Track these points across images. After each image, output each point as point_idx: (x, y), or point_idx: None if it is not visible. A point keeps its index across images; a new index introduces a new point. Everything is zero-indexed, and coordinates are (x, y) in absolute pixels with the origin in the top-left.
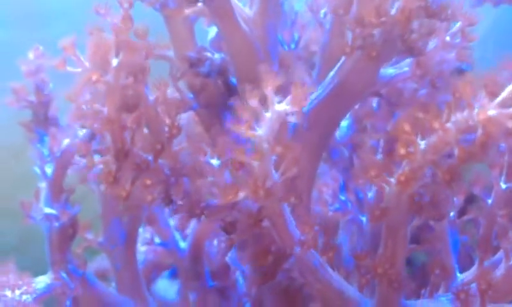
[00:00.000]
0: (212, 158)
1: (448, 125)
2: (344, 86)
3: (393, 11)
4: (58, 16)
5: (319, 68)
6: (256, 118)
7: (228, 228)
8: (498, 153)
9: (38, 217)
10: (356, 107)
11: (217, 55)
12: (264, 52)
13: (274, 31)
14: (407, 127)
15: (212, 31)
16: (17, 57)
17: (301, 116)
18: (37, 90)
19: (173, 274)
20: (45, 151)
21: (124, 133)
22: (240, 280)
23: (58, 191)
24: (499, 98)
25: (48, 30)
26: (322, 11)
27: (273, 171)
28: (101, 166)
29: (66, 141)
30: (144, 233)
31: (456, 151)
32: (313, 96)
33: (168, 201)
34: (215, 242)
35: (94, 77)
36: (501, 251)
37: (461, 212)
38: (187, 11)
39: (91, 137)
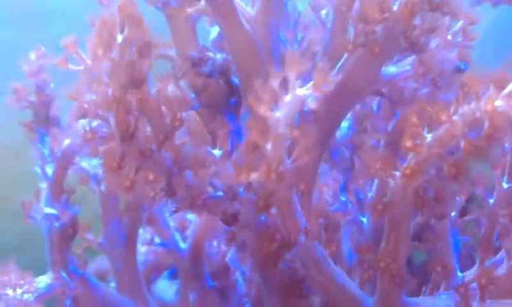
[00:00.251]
0: (214, 149)
1: (455, 117)
2: (345, 84)
3: (395, 7)
4: (58, 16)
5: None
6: (275, 101)
7: (230, 220)
8: (501, 153)
9: (38, 217)
10: (357, 107)
11: (219, 55)
12: (266, 50)
13: (277, 30)
14: (414, 119)
15: (214, 31)
16: (17, 57)
17: (320, 102)
18: (38, 90)
19: (172, 275)
20: (46, 152)
21: (129, 115)
22: (240, 280)
23: (59, 191)
24: (507, 90)
25: (48, 30)
26: (324, 12)
27: (286, 157)
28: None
29: (67, 141)
30: (144, 233)
31: (463, 144)
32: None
33: (171, 192)
34: (215, 242)
35: (100, 53)
36: (502, 251)
37: (463, 212)
38: (189, 9)
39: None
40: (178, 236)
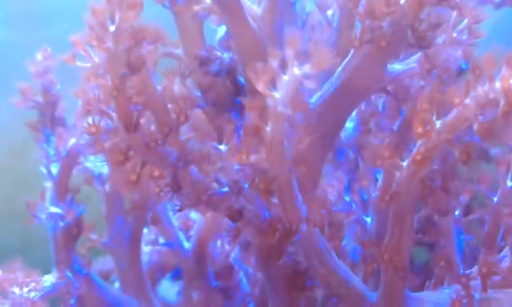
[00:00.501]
0: (220, 144)
1: (467, 100)
2: (351, 82)
3: (403, 1)
4: (59, 16)
5: None
6: (274, 81)
7: (235, 216)
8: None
9: (43, 216)
10: (363, 108)
11: (226, 55)
12: None
13: (283, 29)
14: (425, 106)
15: (221, 31)
16: (18, 57)
17: (317, 81)
18: (44, 90)
19: (175, 276)
20: (51, 151)
21: (129, 105)
22: (244, 280)
23: (64, 190)
24: None
25: (48, 30)
26: (330, 12)
27: (285, 139)
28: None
29: (72, 141)
30: (149, 234)
31: (475, 127)
32: (320, 91)
33: (177, 187)
34: (219, 242)
35: (94, 43)
36: (506, 249)
37: (467, 212)
38: (196, 7)
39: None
40: (182, 236)
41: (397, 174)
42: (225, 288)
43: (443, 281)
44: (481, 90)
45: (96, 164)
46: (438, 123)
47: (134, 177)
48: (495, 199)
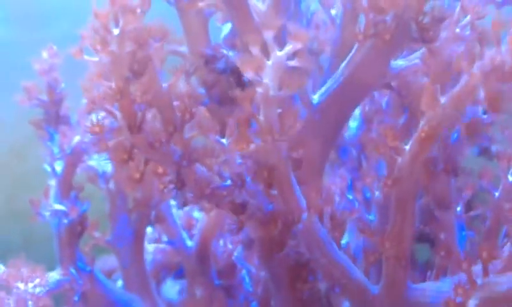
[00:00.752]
0: (223, 138)
1: (474, 69)
2: (354, 78)
3: None
4: (59, 15)
5: (331, 61)
6: (260, 68)
7: (238, 209)
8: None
9: (46, 214)
10: (366, 107)
11: (231, 53)
12: None
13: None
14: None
15: (226, 28)
16: (18, 56)
17: (304, 56)
18: (49, 89)
19: (177, 274)
20: (55, 149)
21: (133, 106)
22: (247, 279)
23: (68, 188)
24: None
25: (48, 29)
26: (334, 11)
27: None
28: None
29: (76, 138)
30: (152, 233)
31: (484, 94)
32: (324, 88)
33: (181, 184)
34: (221, 241)
35: (98, 47)
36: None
37: (468, 208)
38: (201, 4)
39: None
40: (185, 235)
41: (399, 159)
42: (228, 287)
43: (444, 271)
44: (487, 57)
45: (100, 162)
46: (443, 100)
47: (137, 175)
48: (496, 194)
